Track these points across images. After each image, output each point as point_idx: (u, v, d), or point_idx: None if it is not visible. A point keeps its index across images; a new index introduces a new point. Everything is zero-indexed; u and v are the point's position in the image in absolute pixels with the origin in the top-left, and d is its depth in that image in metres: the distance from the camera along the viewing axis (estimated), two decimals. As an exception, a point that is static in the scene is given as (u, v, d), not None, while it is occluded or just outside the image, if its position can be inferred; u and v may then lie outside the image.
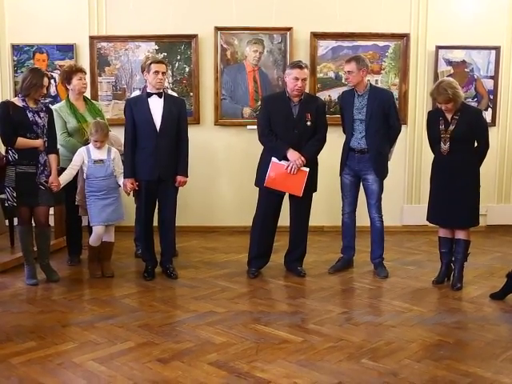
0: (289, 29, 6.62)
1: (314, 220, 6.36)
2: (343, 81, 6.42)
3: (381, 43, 6.71)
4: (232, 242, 6.16)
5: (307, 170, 4.89)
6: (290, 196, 5.05)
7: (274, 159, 4.92)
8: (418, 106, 6.83)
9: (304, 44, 6.68)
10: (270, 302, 4.54)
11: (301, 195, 4.92)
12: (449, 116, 4.66)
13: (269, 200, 5.03)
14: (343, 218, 5.28)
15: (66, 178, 4.96)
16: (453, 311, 4.31)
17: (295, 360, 3.44)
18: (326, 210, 6.49)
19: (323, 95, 6.68)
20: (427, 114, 5.05)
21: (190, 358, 3.47)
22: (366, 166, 5.05)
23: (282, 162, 4.88)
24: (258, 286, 4.87)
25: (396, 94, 6.67)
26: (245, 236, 5.23)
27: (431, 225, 5.09)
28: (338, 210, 5.35)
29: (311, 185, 5.01)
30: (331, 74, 6.73)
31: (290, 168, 4.85)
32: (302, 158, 4.85)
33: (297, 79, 4.84)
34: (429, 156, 5.10)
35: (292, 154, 4.86)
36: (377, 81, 6.67)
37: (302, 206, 5.08)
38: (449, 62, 6.77)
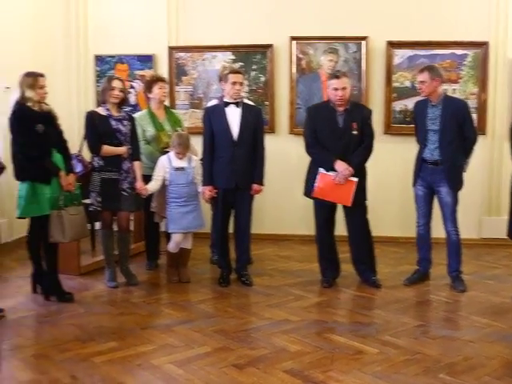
0: (364, 38, 6.59)
1: (387, 230, 6.34)
2: (420, 92, 6.33)
3: (459, 51, 6.57)
4: (306, 251, 6.16)
5: (356, 179, 4.84)
6: (344, 206, 5.01)
7: (321, 170, 4.90)
8: (498, 116, 6.64)
9: (379, 53, 6.63)
10: (345, 311, 4.54)
11: (350, 205, 4.88)
12: None
13: (322, 210, 5.04)
14: (418, 229, 5.19)
15: (151, 188, 5.10)
16: (535, 328, 4.18)
17: (371, 371, 3.42)
18: (400, 220, 6.41)
19: (399, 105, 6.63)
20: (510, 124, 4.91)
21: (266, 364, 3.51)
22: (440, 177, 4.94)
23: (330, 173, 4.85)
24: (331, 296, 4.87)
25: (474, 103, 6.53)
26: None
27: (512, 240, 4.94)
28: (413, 220, 5.26)
29: (361, 194, 4.95)
30: (407, 84, 6.64)
31: (337, 179, 4.83)
32: (350, 169, 4.81)
33: (336, 89, 4.81)
34: (509, 167, 4.97)
35: (339, 164, 4.81)
36: (454, 90, 6.54)
37: (356, 215, 5.01)
38: (530, 71, 6.58)
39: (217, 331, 4.04)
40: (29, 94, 4.46)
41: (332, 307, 4.60)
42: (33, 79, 4.50)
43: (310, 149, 5.02)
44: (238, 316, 4.37)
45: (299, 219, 6.75)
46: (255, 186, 5.05)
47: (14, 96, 4.56)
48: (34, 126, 4.45)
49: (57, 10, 6.93)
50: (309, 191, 5.01)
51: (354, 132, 4.88)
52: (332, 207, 5.04)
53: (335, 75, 4.88)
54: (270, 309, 4.52)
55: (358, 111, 4.99)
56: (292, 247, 6.53)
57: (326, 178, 4.88)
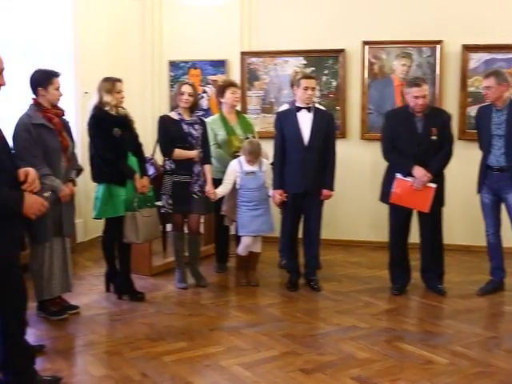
0: (439, 42, 6.46)
1: (459, 238, 6.19)
2: (485, 98, 6.17)
3: (539, 55, 6.36)
4: (375, 258, 6.09)
5: (434, 186, 4.73)
6: (418, 212, 4.92)
7: (398, 175, 4.81)
8: None
9: (454, 57, 6.48)
10: (414, 320, 4.46)
11: (428, 211, 4.78)
12: None
13: (398, 217, 4.95)
14: (488, 238, 5.03)
15: (222, 191, 5.16)
16: None
17: (441, 382, 3.35)
18: (472, 228, 6.22)
19: (474, 110, 6.40)
20: None
21: (333, 370, 3.49)
22: (506, 184, 4.75)
23: (408, 179, 4.77)
24: (401, 304, 4.79)
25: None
26: (387, 252, 5.14)
27: None
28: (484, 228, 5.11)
29: (439, 200, 4.84)
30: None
31: (415, 185, 4.73)
32: (428, 175, 4.71)
33: (417, 97, 4.73)
34: None
35: (418, 170, 4.72)
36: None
37: (431, 221, 4.91)
38: None
39: (284, 335, 4.04)
40: (107, 98, 4.60)
41: (401, 315, 4.53)
42: (111, 84, 4.63)
43: (387, 154, 4.95)
44: (305, 321, 4.36)
45: (370, 225, 6.69)
46: (325, 191, 5.03)
47: (93, 101, 4.70)
48: (111, 129, 4.58)
49: (133, 17, 7.13)
50: (385, 197, 4.94)
51: (433, 137, 4.78)
52: (408, 213, 4.95)
53: (415, 83, 4.80)
54: (338, 315, 4.49)
55: (438, 116, 4.90)
56: (362, 253, 6.46)
57: (403, 183, 4.80)
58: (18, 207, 2.79)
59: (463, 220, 6.18)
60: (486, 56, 6.44)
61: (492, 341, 4.00)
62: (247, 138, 5.21)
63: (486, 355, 3.73)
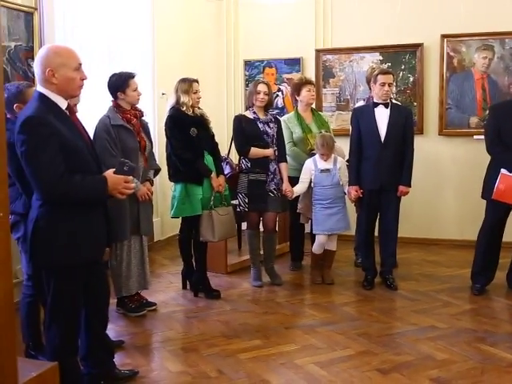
0: (523, 32, 6.23)
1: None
2: None
3: None
4: (454, 256, 5.93)
5: None
6: None
7: (503, 171, 4.63)
8: None
9: (540, 48, 6.24)
10: (496, 321, 4.30)
11: None
12: None
13: (495, 213, 4.76)
14: None
15: (298, 190, 5.16)
16: None
17: (525, 386, 3.23)
18: None
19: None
20: None
21: (411, 371, 3.42)
22: None
23: None
24: (482, 304, 4.64)
25: None
26: (467, 250, 5.01)
27: None
28: None
29: None
30: None
31: None
32: None
33: None
34: None
35: None
36: None
37: None
38: None
39: (360, 334, 4.00)
40: (184, 98, 4.67)
41: (482, 316, 4.38)
42: (188, 85, 4.70)
43: (492, 148, 4.77)
44: (382, 320, 4.30)
45: (448, 223, 6.52)
46: (402, 188, 4.93)
47: (170, 101, 4.79)
48: (188, 129, 4.65)
49: (209, 18, 7.24)
50: (488, 193, 4.74)
51: None
52: (507, 211, 4.76)
53: None
54: (415, 314, 4.40)
55: None
56: (440, 252, 6.30)
57: (508, 179, 4.60)
58: (103, 189, 2.85)
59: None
60: None
61: None
62: (319, 133, 5.18)
63: None
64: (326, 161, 5.09)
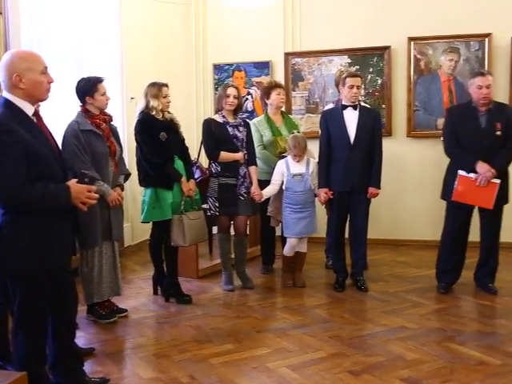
0: (487, 35, 6.32)
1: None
2: None
3: None
4: (423, 257, 6.00)
5: (498, 181, 4.63)
6: (480, 209, 4.81)
7: (461, 172, 4.71)
8: None
9: (504, 50, 6.33)
10: (465, 320, 4.36)
11: (492, 208, 4.67)
12: None
13: (456, 214, 4.85)
14: None
15: (269, 191, 5.16)
16: None
17: (493, 384, 3.27)
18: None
19: (525, 104, 6.29)
20: None
21: (382, 372, 3.45)
22: None
23: (471, 175, 4.67)
24: (451, 304, 4.70)
25: None
26: (436, 250, 5.06)
27: None
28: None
29: (502, 197, 4.73)
30: (536, 82, 6.30)
31: (479, 181, 4.63)
32: (493, 171, 4.60)
33: (480, 87, 4.63)
34: None
35: (481, 166, 4.62)
36: None
37: (493, 219, 4.82)
38: None
39: (332, 337, 4.02)
40: (153, 103, 4.65)
41: (451, 315, 4.44)
42: (157, 89, 4.68)
43: (449, 150, 4.86)
44: (353, 322, 4.32)
45: (416, 224, 6.60)
46: (371, 190, 4.97)
47: (140, 105, 4.77)
48: (158, 134, 4.64)
49: (177, 22, 7.21)
50: (447, 194, 4.85)
51: (498, 133, 4.67)
52: (469, 211, 4.85)
53: (480, 72, 4.76)
54: (386, 315, 4.43)
55: (502, 111, 4.79)
56: (409, 253, 6.38)
57: (466, 180, 4.70)
58: (66, 198, 2.83)
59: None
60: (538, 48, 6.28)
61: (548, 341, 3.89)
62: (292, 134, 5.17)
63: (540, 356, 3.64)
64: (298, 162, 5.10)
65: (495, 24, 6.28)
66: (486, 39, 6.34)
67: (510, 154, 4.74)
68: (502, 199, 4.74)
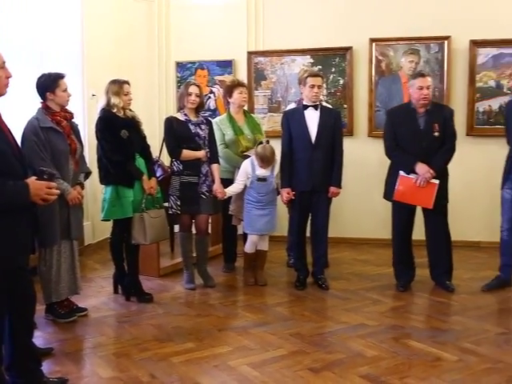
0: (447, 37, 6.44)
1: (469, 235, 6.17)
2: (505, 90, 6.13)
3: (548, 48, 6.31)
4: (383, 255, 6.06)
5: (437, 182, 4.74)
6: (423, 209, 4.92)
7: (401, 173, 4.81)
8: None
9: (463, 53, 6.46)
10: (422, 317, 4.45)
11: (431, 207, 4.77)
12: None
13: (401, 213, 4.96)
14: (502, 235, 5.01)
15: (233, 190, 5.18)
16: None
17: (450, 379, 3.33)
18: (482, 224, 6.22)
19: (483, 105, 6.43)
20: None
21: (341, 369, 3.48)
22: None
23: (411, 176, 4.77)
24: (409, 301, 4.78)
25: None
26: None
27: None
28: (496, 225, 5.09)
29: (443, 196, 4.84)
30: (492, 83, 6.43)
31: (418, 181, 4.72)
32: (431, 171, 4.70)
33: (421, 88, 4.72)
34: None
35: (420, 167, 4.72)
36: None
37: (436, 218, 4.92)
38: None
39: (293, 334, 4.04)
40: (114, 100, 4.62)
41: (409, 312, 4.52)
42: (118, 86, 4.65)
43: (390, 151, 4.96)
44: (314, 319, 4.36)
45: (377, 223, 6.66)
46: (333, 189, 5.02)
47: (100, 103, 4.74)
48: (119, 131, 4.60)
49: (140, 19, 7.15)
50: (389, 194, 4.95)
51: (436, 134, 4.77)
52: (411, 210, 4.96)
53: (420, 74, 4.85)
54: (346, 313, 4.48)
55: (440, 112, 4.89)
56: (369, 251, 6.46)
57: (406, 180, 4.80)
58: (25, 195, 2.80)
59: (472, 216, 6.16)
60: (494, 51, 6.43)
61: (501, 337, 3.98)
62: (260, 143, 5.13)
63: (494, 351, 3.72)
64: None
65: (454, 27, 6.40)
66: (446, 42, 6.45)
67: (448, 155, 4.84)
68: (441, 199, 4.83)
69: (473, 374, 3.40)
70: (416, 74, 4.94)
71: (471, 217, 6.10)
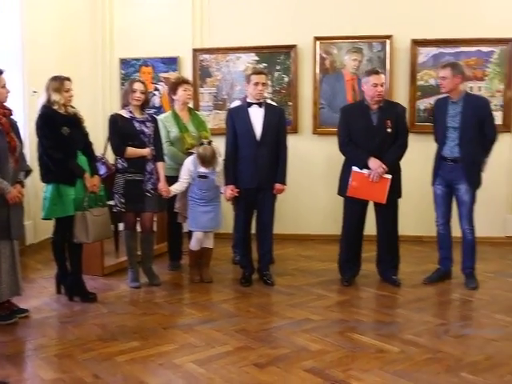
0: (388, 37, 6.56)
1: (412, 230, 6.30)
2: (440, 88, 6.28)
3: (485, 49, 6.50)
4: (328, 251, 6.13)
5: (389, 177, 4.83)
6: (375, 204, 5.01)
7: (354, 168, 4.89)
8: (524, 113, 6.55)
9: (404, 52, 6.60)
10: (366, 310, 4.52)
11: (385, 202, 4.87)
12: None
13: (353, 208, 5.03)
14: (438, 229, 5.16)
15: (177, 188, 5.16)
16: (560, 327, 4.11)
17: (392, 370, 3.40)
18: (424, 219, 6.33)
19: (423, 103, 6.59)
20: None
21: (286, 363, 3.51)
22: (459, 175, 4.89)
23: (364, 171, 4.85)
24: (353, 295, 4.86)
25: (501, 100, 6.47)
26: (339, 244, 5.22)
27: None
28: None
29: (395, 191, 4.94)
30: (432, 82, 6.59)
31: (371, 176, 4.81)
32: (384, 166, 4.80)
33: (376, 85, 4.81)
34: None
35: (373, 162, 4.82)
36: (480, 87, 6.48)
37: (387, 213, 5.02)
38: (560, 66, 6.46)
39: (238, 331, 4.05)
40: (55, 97, 4.53)
41: (354, 306, 4.59)
42: (59, 83, 4.56)
43: (343, 147, 5.02)
44: (259, 315, 4.38)
45: (322, 219, 6.76)
46: (277, 186, 5.05)
47: (41, 100, 4.63)
48: (60, 128, 4.52)
49: (82, 14, 7.03)
50: (343, 190, 5.00)
51: (389, 130, 4.86)
52: (364, 206, 5.03)
53: (374, 71, 4.91)
54: (291, 308, 4.52)
55: (392, 109, 4.99)
56: (314, 247, 6.53)
57: (359, 176, 4.87)
58: None
59: (414, 211, 6.29)
60: (434, 50, 6.59)
61: (441, 328, 4.09)
62: (201, 144, 5.10)
63: (434, 342, 3.82)
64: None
65: (396, 27, 6.54)
66: (388, 41, 6.58)
67: (401, 151, 4.95)
68: (394, 193, 4.94)
69: (414, 364, 3.48)
70: (370, 71, 4.99)
71: (413, 212, 6.22)
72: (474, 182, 4.92)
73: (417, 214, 6.38)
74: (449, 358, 3.55)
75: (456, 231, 5.15)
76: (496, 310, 4.42)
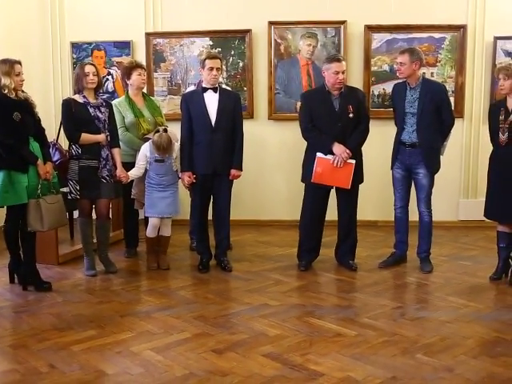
0: (343, 22, 6.58)
1: (367, 214, 6.38)
2: (398, 74, 6.34)
3: (437, 35, 6.59)
4: (285, 236, 6.18)
5: (353, 162, 4.88)
6: (337, 189, 5.05)
7: (319, 154, 4.91)
8: (475, 99, 6.68)
9: (358, 37, 6.64)
10: (323, 295, 4.55)
11: (349, 187, 4.92)
12: (510, 106, 4.57)
13: (316, 195, 5.05)
14: (395, 212, 5.23)
15: (134, 173, 5.11)
16: (511, 308, 4.23)
17: (349, 354, 3.45)
18: (379, 204, 6.46)
19: (377, 88, 6.65)
20: (489, 106, 4.95)
21: (245, 349, 3.52)
22: (417, 160, 4.98)
23: (328, 157, 4.87)
24: (311, 280, 4.90)
25: (452, 86, 6.57)
26: (297, 230, 5.25)
27: (489, 220, 4.99)
28: (392, 204, 5.29)
29: (358, 176, 5.00)
30: (386, 67, 6.66)
31: (336, 162, 4.85)
32: (348, 151, 4.84)
33: (337, 73, 4.84)
34: (486, 149, 5.03)
35: (337, 147, 4.85)
36: (432, 73, 6.58)
37: (349, 198, 5.07)
38: (507, 53, 6.59)
39: (196, 317, 4.04)
40: (5, 81, 4.40)
41: (311, 291, 4.62)
42: (9, 66, 4.43)
43: (306, 133, 5.02)
44: (217, 302, 4.38)
45: (279, 204, 6.78)
46: (233, 171, 5.04)
47: (-11, 84, 4.50)
48: (11, 113, 4.39)
49: (31, -4, 6.84)
50: (307, 177, 5.00)
51: (351, 115, 4.89)
52: (327, 192, 5.05)
53: (337, 58, 4.92)
54: (249, 294, 4.53)
55: (353, 94, 5.02)
56: (271, 232, 6.55)
57: (324, 161, 4.88)
58: None
59: (369, 196, 6.35)
60: (387, 36, 6.64)
61: (396, 311, 4.16)
62: (157, 131, 5.04)
63: (391, 325, 3.89)
64: None
65: (350, 12, 6.56)
66: (342, 26, 6.60)
67: (363, 136, 5.01)
68: (357, 179, 4.99)
69: (371, 347, 3.54)
70: (331, 58, 4.98)
71: (369, 197, 6.28)
72: (433, 167, 5.01)
73: (372, 199, 6.45)
74: (405, 341, 3.62)
75: (412, 216, 5.24)
76: (449, 293, 4.53)
